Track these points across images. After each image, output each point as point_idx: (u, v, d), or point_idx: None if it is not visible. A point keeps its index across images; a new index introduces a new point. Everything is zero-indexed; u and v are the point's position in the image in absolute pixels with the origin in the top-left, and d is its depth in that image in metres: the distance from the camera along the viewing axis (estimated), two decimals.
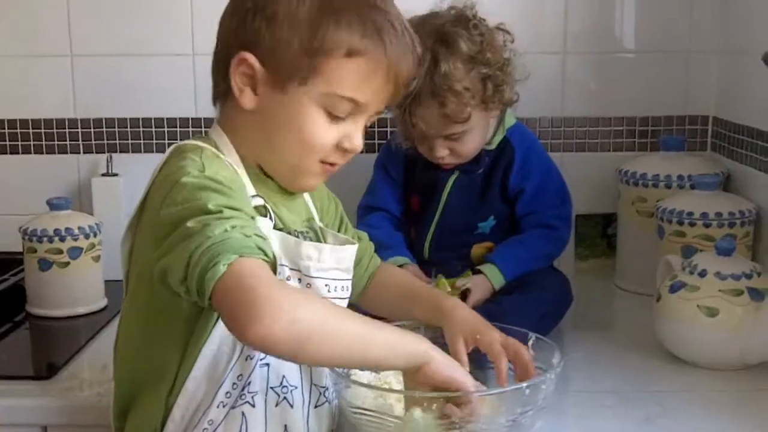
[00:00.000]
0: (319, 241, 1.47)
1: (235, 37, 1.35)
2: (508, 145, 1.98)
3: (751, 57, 1.96)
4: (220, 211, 1.19)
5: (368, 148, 2.28)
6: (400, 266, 1.88)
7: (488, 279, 1.87)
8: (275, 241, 1.33)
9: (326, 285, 1.38)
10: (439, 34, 1.81)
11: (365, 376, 1.42)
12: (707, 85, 2.33)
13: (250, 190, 1.36)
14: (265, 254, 1.20)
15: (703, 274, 1.71)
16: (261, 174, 1.41)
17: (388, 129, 2.28)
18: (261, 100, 1.34)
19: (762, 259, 1.99)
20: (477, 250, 1.99)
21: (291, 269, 1.35)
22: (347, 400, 1.34)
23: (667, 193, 2.12)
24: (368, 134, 1.35)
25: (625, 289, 2.24)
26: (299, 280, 1.36)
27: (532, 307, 1.79)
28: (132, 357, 1.39)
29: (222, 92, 1.39)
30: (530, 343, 1.49)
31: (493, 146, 1.98)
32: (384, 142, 2.18)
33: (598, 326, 2.06)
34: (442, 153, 1.91)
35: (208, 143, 1.37)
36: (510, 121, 2.00)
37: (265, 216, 1.35)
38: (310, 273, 1.36)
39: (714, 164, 2.22)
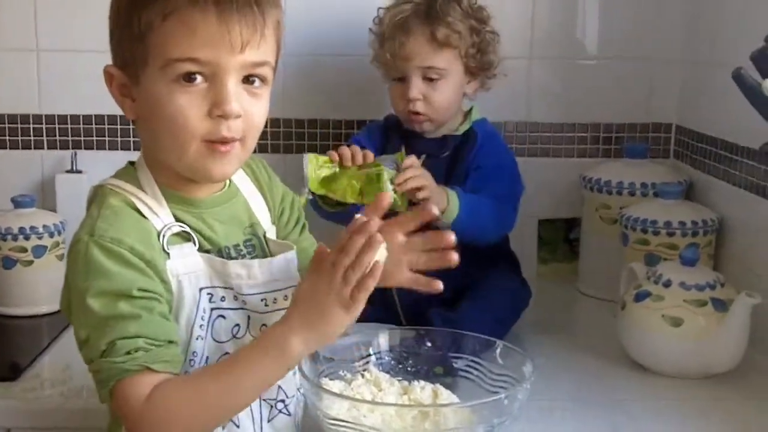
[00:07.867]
0: (262, 249, 1.44)
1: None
2: (473, 132, 2.01)
3: (715, 67, 1.99)
4: (102, 321, 1.23)
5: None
6: None
7: (447, 191, 1.84)
8: (202, 264, 1.32)
9: (262, 300, 1.35)
10: None
11: (336, 386, 1.42)
12: (670, 93, 2.35)
13: (166, 219, 1.32)
14: (144, 351, 1.23)
15: (667, 284, 1.74)
16: (185, 192, 1.36)
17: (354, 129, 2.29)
18: (137, 104, 1.31)
19: (723, 268, 2.02)
20: None
21: (224, 288, 1.34)
22: (323, 411, 1.34)
23: (630, 200, 2.15)
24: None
25: (588, 294, 2.26)
26: (234, 297, 1.34)
27: (487, 312, 1.81)
28: None
29: None
30: (498, 351, 1.49)
31: (459, 133, 2.01)
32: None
33: (560, 331, 2.08)
34: (417, 94, 1.94)
35: (126, 178, 1.34)
36: (477, 115, 2.05)
37: (189, 241, 1.33)
38: (243, 291, 1.34)
39: (676, 172, 2.25)
